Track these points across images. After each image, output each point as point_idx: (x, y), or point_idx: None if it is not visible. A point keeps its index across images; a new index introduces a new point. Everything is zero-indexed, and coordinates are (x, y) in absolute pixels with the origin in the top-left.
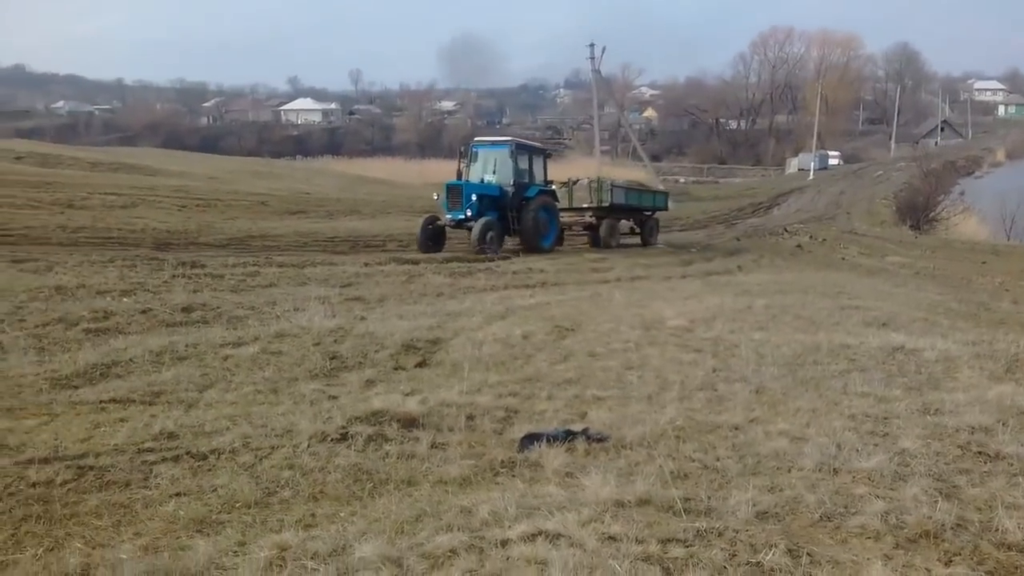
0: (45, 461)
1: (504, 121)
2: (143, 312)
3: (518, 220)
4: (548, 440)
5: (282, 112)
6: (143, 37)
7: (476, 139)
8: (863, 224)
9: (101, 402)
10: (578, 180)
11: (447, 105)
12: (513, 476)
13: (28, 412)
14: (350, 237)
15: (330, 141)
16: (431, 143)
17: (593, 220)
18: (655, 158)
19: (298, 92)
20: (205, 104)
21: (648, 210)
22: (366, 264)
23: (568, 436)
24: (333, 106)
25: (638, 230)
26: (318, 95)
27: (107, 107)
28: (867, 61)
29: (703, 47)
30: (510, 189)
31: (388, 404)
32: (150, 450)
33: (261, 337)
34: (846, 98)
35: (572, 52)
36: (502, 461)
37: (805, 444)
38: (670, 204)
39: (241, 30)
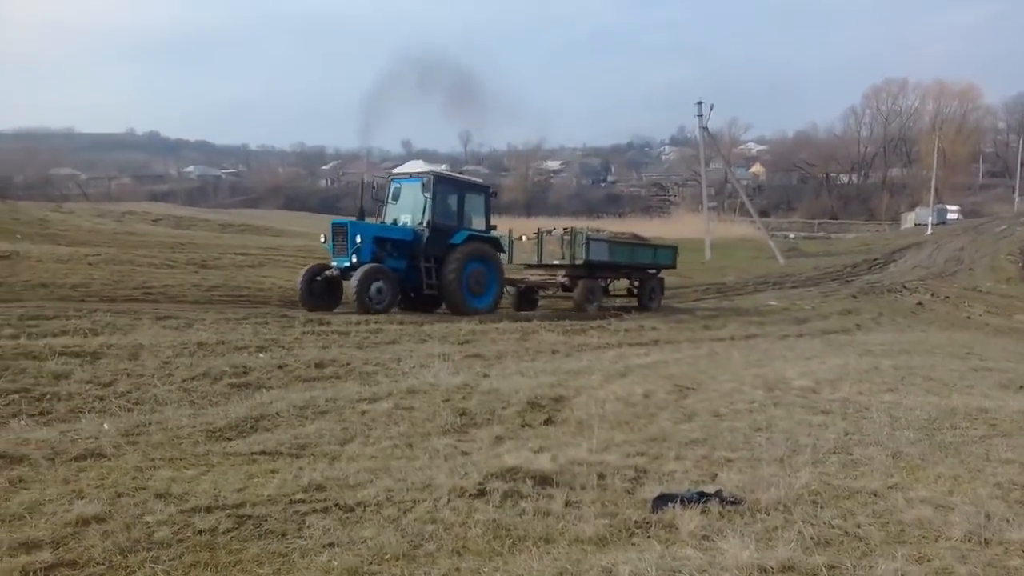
0: (207, 510)
1: (609, 179)
2: (279, 367)
3: (437, 272)
4: (682, 501)
5: (395, 174)
6: (269, 105)
7: (395, 172)
8: (987, 281)
9: (253, 454)
10: (551, 231)
11: (553, 164)
12: (648, 537)
13: (188, 462)
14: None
15: None
16: (537, 202)
17: (565, 280)
18: (763, 213)
19: (410, 155)
20: (324, 167)
21: (647, 268)
22: (481, 322)
23: (701, 498)
24: (443, 167)
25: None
26: (429, 157)
27: (233, 171)
28: (986, 112)
29: (811, 101)
30: (424, 232)
31: (520, 461)
32: (301, 501)
33: (394, 393)
34: (965, 150)
35: (677, 109)
36: (636, 521)
37: (950, 512)
38: (782, 259)
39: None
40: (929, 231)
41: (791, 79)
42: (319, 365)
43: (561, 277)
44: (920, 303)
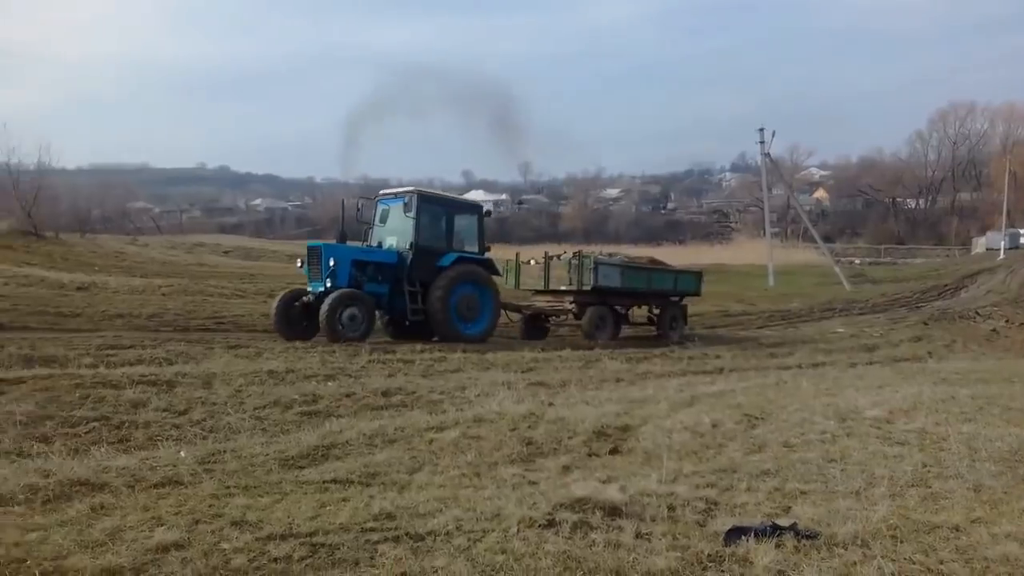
0: (282, 537)
1: (669, 206)
2: (347, 395)
3: (423, 297)
4: (755, 534)
5: None
6: (333, 139)
7: (383, 192)
8: None
9: (324, 482)
10: (561, 255)
11: (612, 192)
12: (722, 571)
13: (262, 490)
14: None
15: (499, 230)
16: (596, 229)
17: (573, 308)
18: (827, 239)
19: (471, 184)
20: None
21: (667, 295)
22: (543, 349)
23: (776, 531)
24: (503, 197)
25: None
26: (489, 187)
27: (299, 203)
28: None
29: (874, 126)
30: (408, 255)
31: (589, 491)
32: (372, 529)
33: (460, 422)
34: None
35: (738, 135)
36: (708, 554)
37: None
38: (848, 285)
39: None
40: (1001, 256)
41: (852, 103)
42: (386, 393)
43: (569, 304)
44: (994, 330)
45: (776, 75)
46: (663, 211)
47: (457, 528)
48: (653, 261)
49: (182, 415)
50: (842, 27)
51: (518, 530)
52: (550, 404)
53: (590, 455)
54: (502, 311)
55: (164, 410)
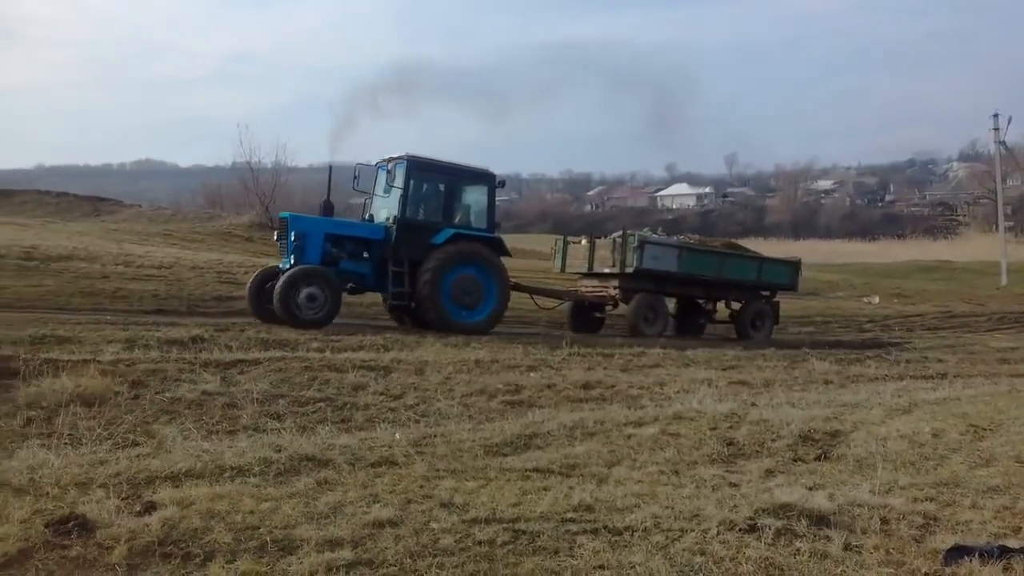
0: (486, 521)
1: (887, 198)
2: (549, 387)
3: (409, 279)
4: (980, 555)
5: (658, 198)
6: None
7: (383, 158)
8: None
9: (526, 470)
10: (612, 234)
11: (824, 184)
12: None
13: (468, 475)
14: (721, 319)
15: (702, 223)
16: (805, 224)
17: (616, 294)
18: None
19: (674, 178)
20: (589, 192)
21: (748, 287)
22: (746, 348)
23: (1004, 553)
24: (707, 190)
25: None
26: (694, 180)
27: (506, 198)
28: None
29: None
30: (394, 229)
31: (794, 498)
32: (571, 520)
33: (659, 418)
34: None
35: (967, 122)
36: (925, 573)
37: None
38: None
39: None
40: None
41: None
42: (586, 386)
43: (613, 290)
44: None
45: (1012, 57)
46: (880, 204)
47: (655, 525)
48: (733, 246)
49: (397, 399)
50: None
51: (718, 532)
52: (753, 404)
53: (795, 460)
54: (534, 300)
55: (381, 394)
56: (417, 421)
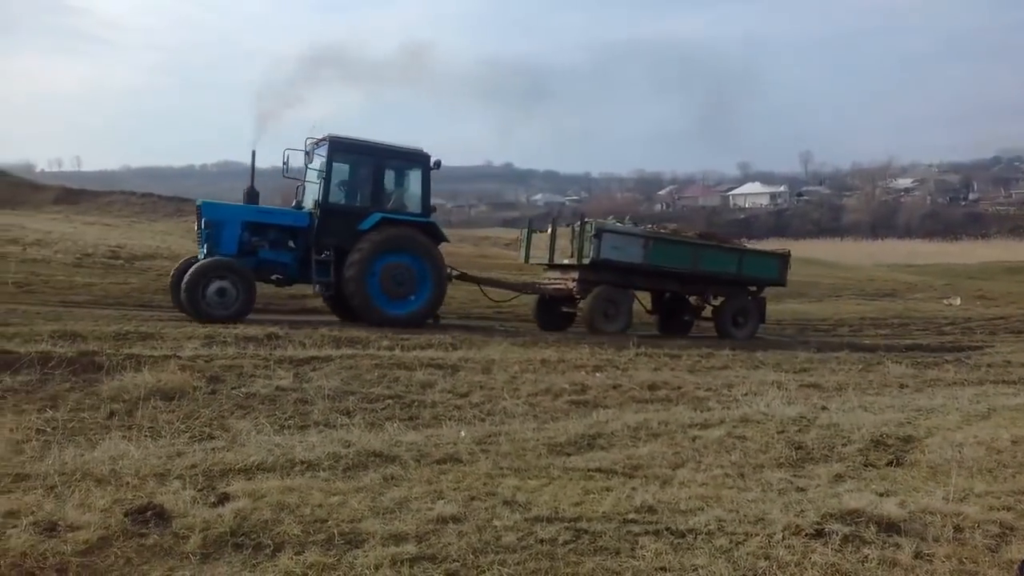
0: (548, 520)
1: (970, 197)
2: (614, 387)
3: (336, 268)
4: None
5: (730, 197)
6: (612, 136)
7: (311, 140)
8: None
9: (589, 470)
10: (582, 222)
11: (904, 182)
12: None
13: (531, 473)
14: (796, 321)
15: (776, 223)
16: (883, 223)
17: (574, 288)
18: None
19: (747, 177)
20: (660, 192)
21: (727, 281)
22: (819, 350)
23: None
24: (781, 189)
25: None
26: (766, 178)
27: (576, 197)
28: None
29: None
30: (317, 215)
31: (863, 504)
32: (633, 521)
33: (726, 421)
34: None
35: None
36: None
37: None
38: None
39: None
40: None
41: None
42: (652, 387)
43: (571, 283)
44: None
45: None
46: (963, 203)
47: (719, 528)
48: (707, 236)
49: (463, 397)
50: None
51: (783, 537)
52: (823, 408)
53: (866, 465)
54: (483, 292)
55: (448, 392)
56: (482, 419)
